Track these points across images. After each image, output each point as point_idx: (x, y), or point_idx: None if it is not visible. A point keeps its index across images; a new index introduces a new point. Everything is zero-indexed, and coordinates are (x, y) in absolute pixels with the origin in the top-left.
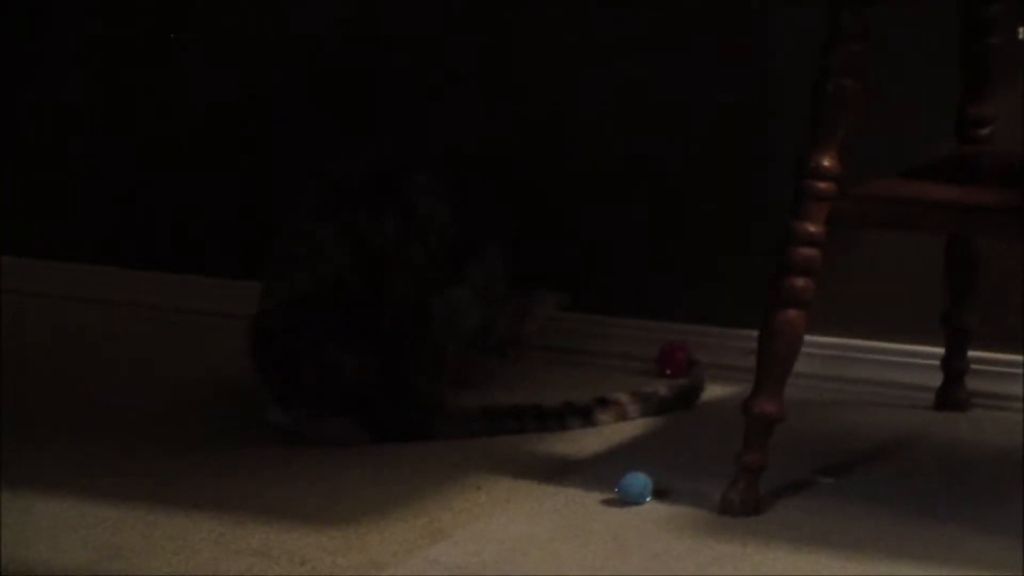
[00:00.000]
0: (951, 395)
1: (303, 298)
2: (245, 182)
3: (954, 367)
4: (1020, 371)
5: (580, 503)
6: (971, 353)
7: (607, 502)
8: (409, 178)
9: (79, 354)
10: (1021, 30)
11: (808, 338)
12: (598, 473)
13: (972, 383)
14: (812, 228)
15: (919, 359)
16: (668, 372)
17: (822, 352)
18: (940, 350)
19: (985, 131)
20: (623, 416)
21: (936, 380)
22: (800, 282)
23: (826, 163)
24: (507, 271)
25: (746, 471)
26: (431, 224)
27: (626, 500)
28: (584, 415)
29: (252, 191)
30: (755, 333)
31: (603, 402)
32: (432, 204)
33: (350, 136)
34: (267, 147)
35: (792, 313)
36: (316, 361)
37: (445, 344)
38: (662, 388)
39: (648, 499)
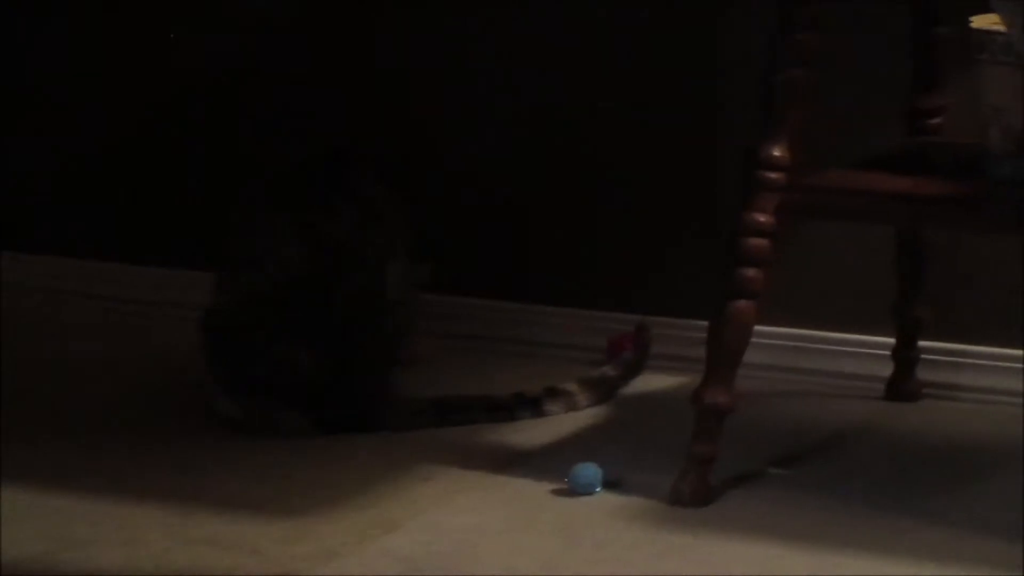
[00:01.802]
0: (902, 386)
1: (256, 293)
2: (205, 172)
3: (905, 357)
4: (975, 361)
5: (530, 494)
6: (921, 343)
7: (557, 492)
8: (356, 169)
9: (24, 345)
10: (972, 20)
11: (758, 328)
12: (548, 464)
13: (922, 373)
14: (763, 219)
15: (870, 349)
16: None
17: (773, 342)
18: (891, 340)
19: (936, 122)
20: (573, 406)
21: (887, 370)
22: (751, 272)
23: (777, 153)
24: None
25: (696, 462)
26: (381, 215)
27: (576, 491)
28: (534, 406)
29: (210, 182)
30: (705, 323)
31: (553, 392)
32: (381, 194)
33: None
34: (225, 139)
35: (743, 303)
36: (268, 355)
37: (397, 336)
38: (609, 370)
39: (598, 489)
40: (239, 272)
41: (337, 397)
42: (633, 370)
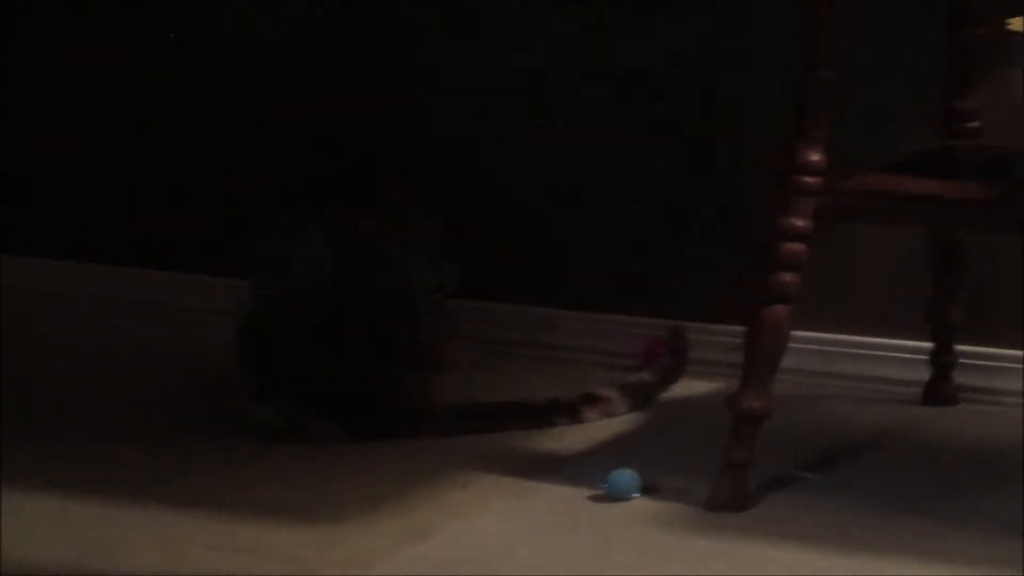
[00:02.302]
0: (939, 390)
1: (289, 298)
2: (228, 179)
3: (942, 361)
4: (1012, 365)
5: (567, 500)
6: (959, 347)
7: (594, 498)
8: (386, 175)
9: (62, 351)
10: (1011, 22)
11: (794, 333)
12: (585, 469)
13: (960, 377)
14: (799, 223)
15: (907, 354)
16: None
17: (809, 347)
18: (928, 344)
19: (972, 125)
20: (610, 412)
21: (924, 375)
22: (787, 277)
23: (813, 157)
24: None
25: (733, 467)
26: (410, 222)
27: (613, 496)
28: (571, 412)
29: (234, 188)
30: (741, 329)
31: (590, 398)
32: (412, 201)
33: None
34: (247, 147)
35: (779, 308)
36: (301, 362)
37: (429, 341)
38: (647, 375)
39: (635, 495)
40: (271, 279)
41: (370, 403)
42: (671, 376)
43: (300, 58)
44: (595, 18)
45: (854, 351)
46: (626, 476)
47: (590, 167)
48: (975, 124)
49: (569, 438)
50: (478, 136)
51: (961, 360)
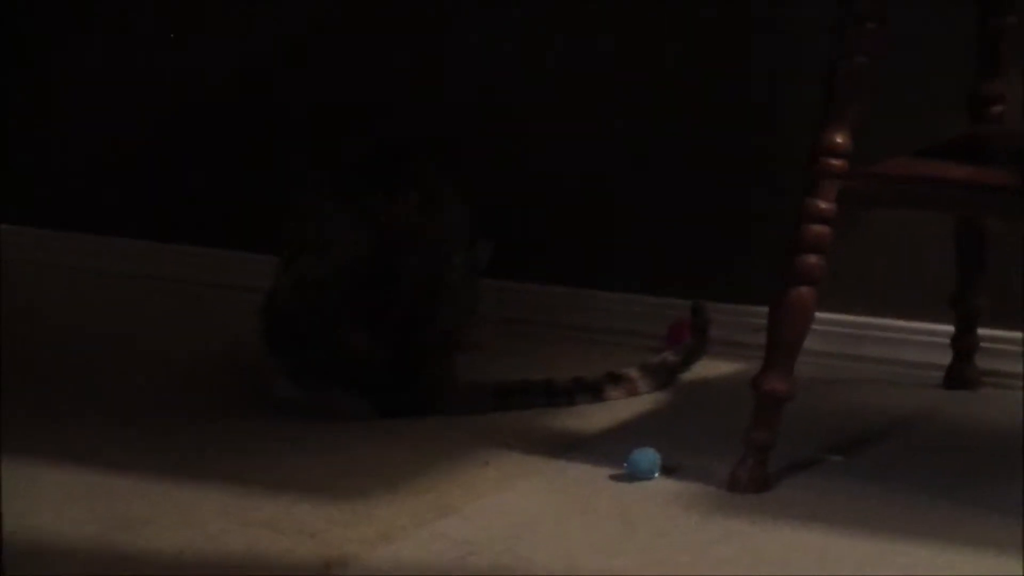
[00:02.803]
0: (960, 374)
1: (318, 277)
2: (255, 157)
3: (963, 345)
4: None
5: (589, 479)
6: (981, 332)
7: (616, 478)
8: (417, 158)
9: (88, 325)
10: None
11: (818, 315)
12: (607, 449)
13: (982, 362)
14: (824, 205)
15: (928, 337)
16: None
17: (831, 329)
18: (950, 328)
19: (998, 109)
20: (634, 392)
21: (945, 358)
22: (812, 259)
23: (839, 140)
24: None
25: (754, 448)
26: (442, 203)
27: (635, 476)
28: (594, 391)
29: (260, 166)
30: (765, 310)
31: (614, 378)
32: (444, 183)
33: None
34: (272, 123)
35: (803, 290)
36: (329, 340)
37: (457, 321)
38: (670, 355)
39: (656, 475)
40: (301, 257)
41: (397, 381)
42: (694, 355)
43: (332, 40)
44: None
45: (877, 334)
46: (648, 456)
47: (617, 147)
48: (1000, 110)
49: (592, 417)
50: (505, 115)
51: (983, 344)
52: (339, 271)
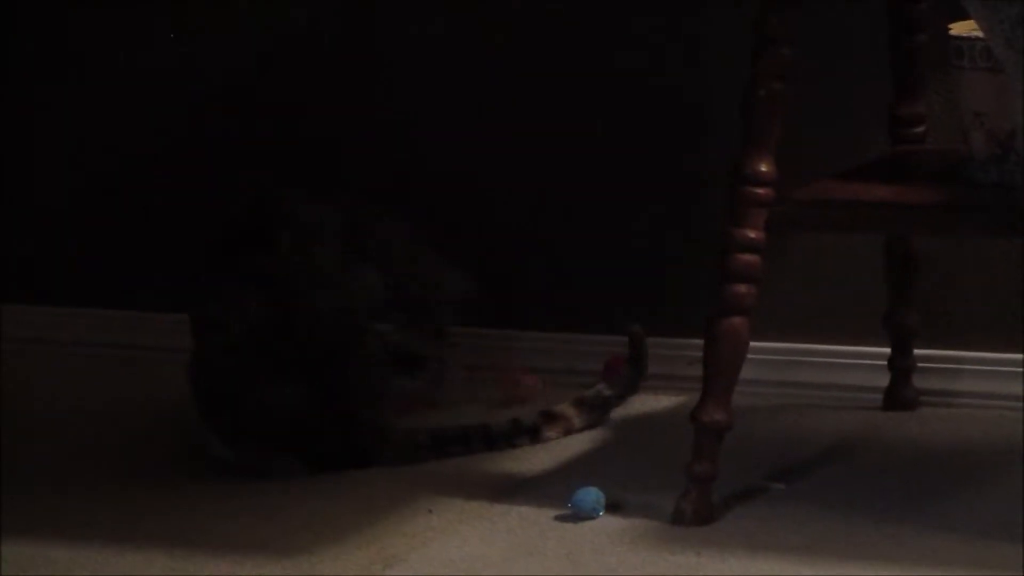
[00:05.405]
0: (899, 394)
1: (227, 348)
2: (174, 216)
3: (900, 366)
4: (971, 367)
5: (533, 520)
6: (917, 351)
7: (560, 518)
8: (286, 199)
9: (18, 397)
10: (951, 27)
11: (752, 344)
12: (549, 490)
13: (919, 381)
14: (752, 234)
15: (865, 360)
16: None
17: (767, 357)
18: (886, 350)
19: (918, 130)
20: (570, 429)
21: (883, 380)
22: (742, 288)
23: (763, 168)
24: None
25: (697, 481)
26: (322, 236)
27: (579, 515)
28: (532, 432)
29: (178, 225)
30: (700, 342)
31: (549, 416)
32: (315, 212)
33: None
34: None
35: (736, 320)
36: (250, 400)
37: (382, 370)
38: (604, 388)
39: (601, 513)
40: (208, 332)
41: (326, 435)
42: (631, 385)
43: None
44: (583, 30)
45: (813, 359)
46: (591, 494)
47: (544, 185)
48: (920, 129)
49: (533, 459)
50: (435, 149)
51: (920, 364)
52: (242, 336)
